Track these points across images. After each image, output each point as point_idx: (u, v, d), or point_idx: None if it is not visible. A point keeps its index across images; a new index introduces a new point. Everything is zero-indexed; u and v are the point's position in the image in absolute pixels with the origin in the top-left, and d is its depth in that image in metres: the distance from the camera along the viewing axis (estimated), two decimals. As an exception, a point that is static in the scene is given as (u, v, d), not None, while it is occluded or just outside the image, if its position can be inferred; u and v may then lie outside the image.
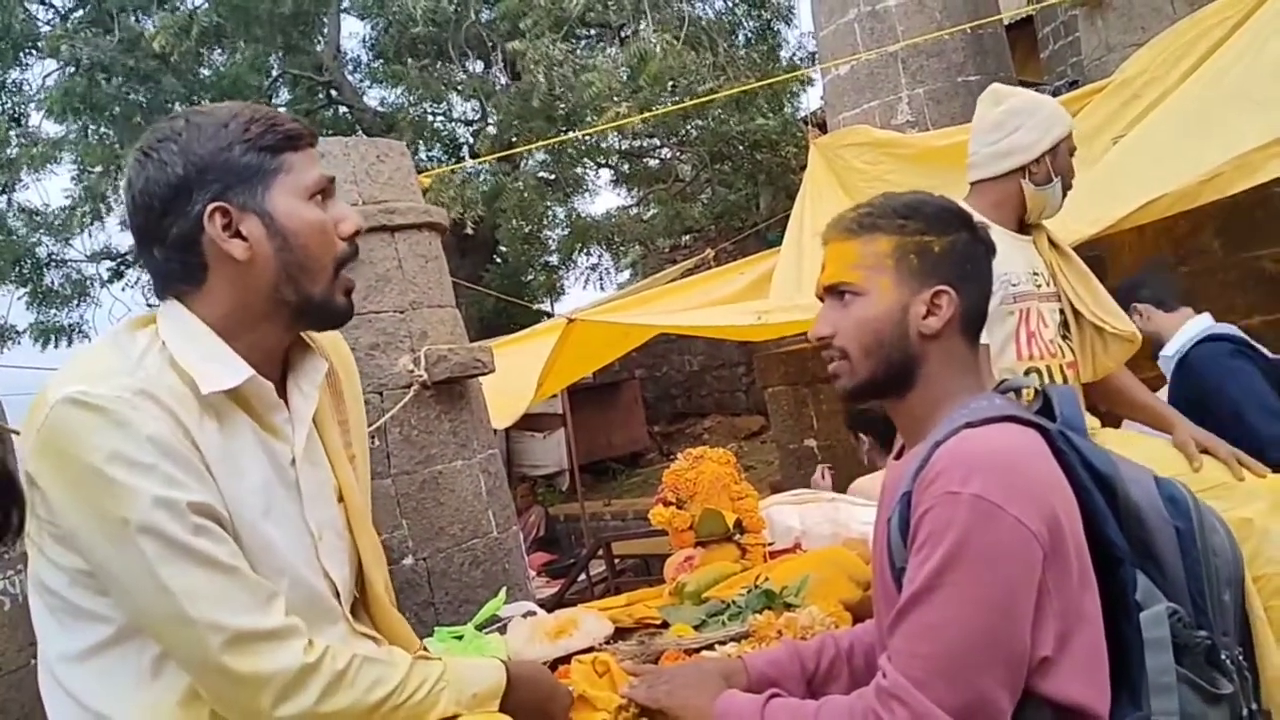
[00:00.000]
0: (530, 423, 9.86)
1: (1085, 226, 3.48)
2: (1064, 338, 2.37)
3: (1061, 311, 2.39)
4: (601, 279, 12.35)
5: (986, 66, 5.66)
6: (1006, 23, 6.49)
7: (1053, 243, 2.44)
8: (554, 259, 11.72)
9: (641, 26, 8.39)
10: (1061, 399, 1.31)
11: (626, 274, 12.78)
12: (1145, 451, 2.12)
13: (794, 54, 10.94)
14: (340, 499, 1.36)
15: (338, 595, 1.31)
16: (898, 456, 1.42)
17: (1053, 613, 1.15)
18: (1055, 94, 5.57)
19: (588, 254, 11.72)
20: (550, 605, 3.71)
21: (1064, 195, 2.38)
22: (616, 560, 6.03)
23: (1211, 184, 3.39)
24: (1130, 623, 1.20)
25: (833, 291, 1.39)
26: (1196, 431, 2.32)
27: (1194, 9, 4.38)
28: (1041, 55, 8.86)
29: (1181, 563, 1.23)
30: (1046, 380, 2.26)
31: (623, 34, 9.92)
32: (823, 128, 6.40)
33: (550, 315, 11.09)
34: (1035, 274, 2.36)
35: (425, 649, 1.45)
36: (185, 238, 1.21)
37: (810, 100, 10.71)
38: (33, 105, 10.81)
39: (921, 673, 1.14)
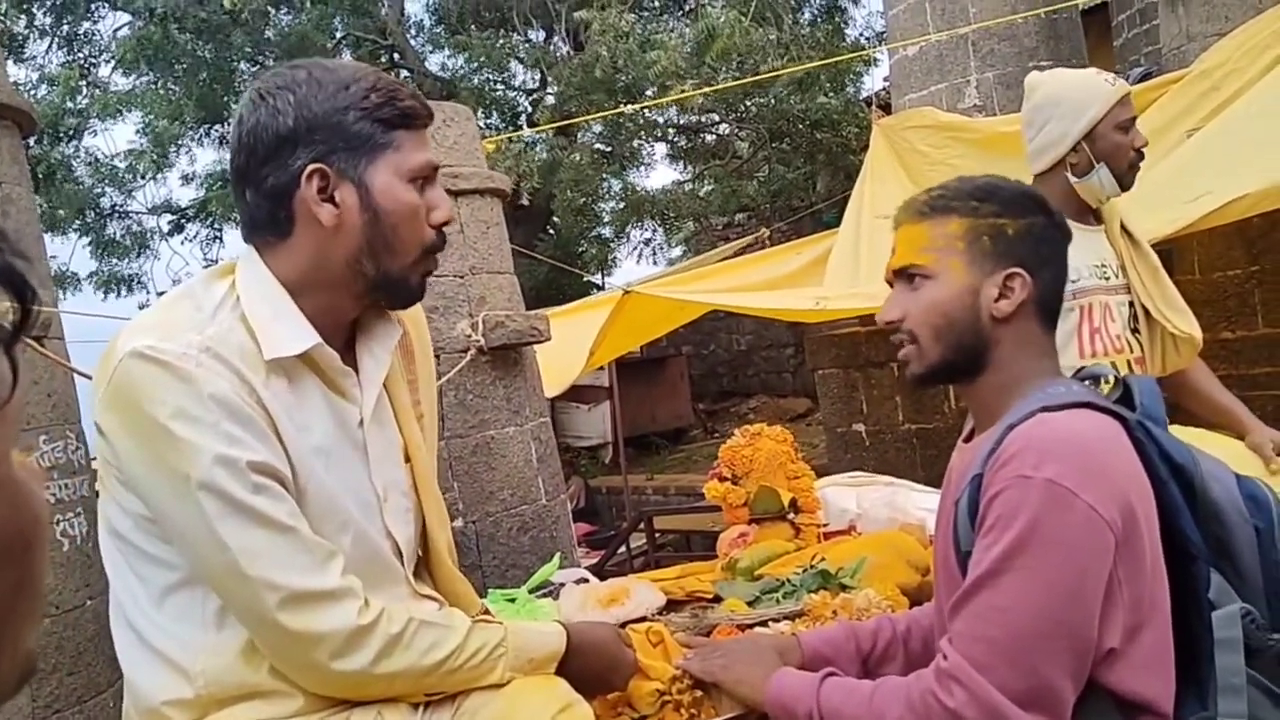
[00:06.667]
0: (576, 394, 9.87)
1: (1162, 226, 3.32)
2: (1134, 331, 2.29)
3: (1131, 304, 2.30)
4: (654, 254, 12.35)
5: (1059, 52, 5.52)
6: (1081, 8, 6.31)
7: (1126, 231, 2.34)
8: (607, 231, 11.71)
9: (707, 1, 8.30)
10: (1142, 389, 1.28)
11: (679, 250, 12.74)
12: (1219, 451, 2.07)
13: (860, 33, 10.81)
14: (407, 459, 1.36)
15: (401, 556, 1.32)
16: (968, 439, 1.40)
17: (1122, 604, 1.13)
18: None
19: (641, 228, 11.70)
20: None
21: (1128, 171, 2.22)
22: (657, 535, 6.05)
23: None
24: (1201, 621, 1.17)
25: (902, 275, 1.36)
26: (1274, 434, 2.26)
27: (1285, -2, 4.21)
28: (1115, 43, 8.63)
29: (1259, 564, 1.20)
30: None
31: (687, 6, 9.84)
32: (886, 109, 6.28)
33: (601, 288, 11.11)
34: (1102, 265, 2.28)
35: (487, 610, 1.45)
36: (279, 190, 1.21)
37: (874, 81, 10.57)
38: (103, 58, 10.99)
39: (984, 656, 1.13)
